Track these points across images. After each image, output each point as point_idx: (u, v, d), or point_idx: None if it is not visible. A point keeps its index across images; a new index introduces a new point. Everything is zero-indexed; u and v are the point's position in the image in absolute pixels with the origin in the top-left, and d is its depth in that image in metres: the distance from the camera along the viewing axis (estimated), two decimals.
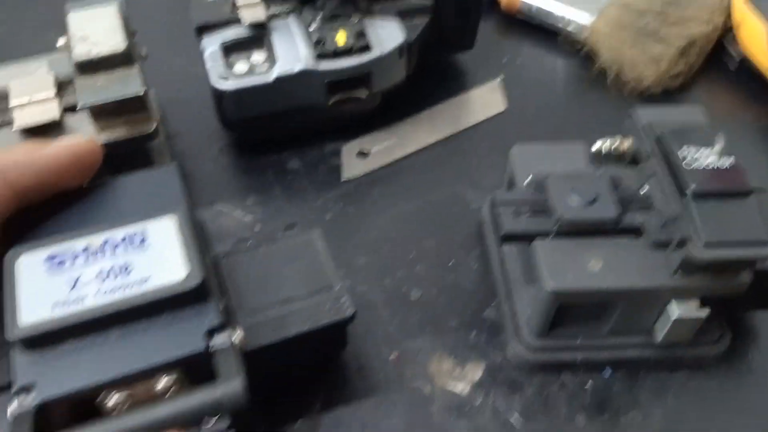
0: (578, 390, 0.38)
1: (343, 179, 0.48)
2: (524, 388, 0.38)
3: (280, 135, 0.49)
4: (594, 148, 0.40)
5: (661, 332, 0.37)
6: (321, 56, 0.45)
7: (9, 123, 0.38)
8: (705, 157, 0.34)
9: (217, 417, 0.28)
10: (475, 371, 0.39)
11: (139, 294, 0.28)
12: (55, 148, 0.31)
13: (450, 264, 0.44)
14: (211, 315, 0.28)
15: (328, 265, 0.35)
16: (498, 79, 0.54)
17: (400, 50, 0.47)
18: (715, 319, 0.38)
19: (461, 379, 0.39)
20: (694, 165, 0.34)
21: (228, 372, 0.27)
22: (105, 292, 0.28)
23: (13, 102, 0.38)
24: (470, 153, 0.49)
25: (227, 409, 0.26)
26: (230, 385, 0.26)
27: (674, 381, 0.39)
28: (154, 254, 0.29)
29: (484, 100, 0.52)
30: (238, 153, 0.49)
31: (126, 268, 0.28)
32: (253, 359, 0.30)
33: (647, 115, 0.38)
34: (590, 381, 0.39)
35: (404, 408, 0.37)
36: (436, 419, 0.37)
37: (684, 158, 0.34)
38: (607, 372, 0.39)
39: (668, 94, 0.53)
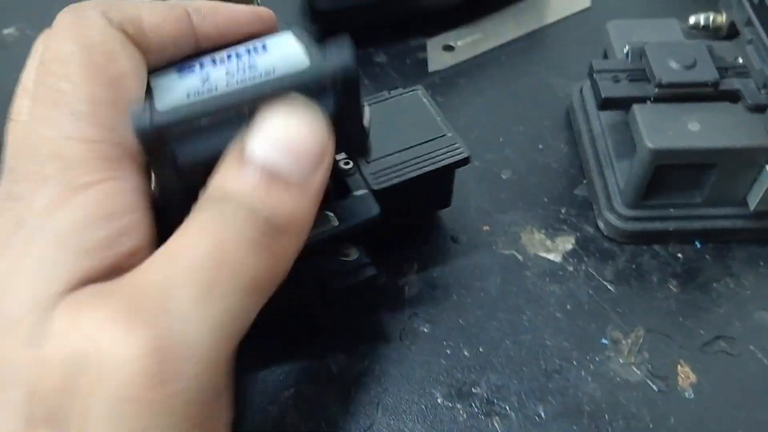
0: (670, 259, 0.39)
1: (429, 71, 0.49)
2: (616, 257, 0.39)
3: (366, 28, 0.50)
4: (691, 22, 0.40)
5: (755, 199, 0.37)
6: None
7: None
8: None
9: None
10: (566, 243, 0.40)
11: (268, 80, 0.28)
12: (237, 6, 0.31)
13: (539, 147, 0.44)
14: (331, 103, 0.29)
15: (436, 116, 0.37)
16: None
17: None
18: None
19: (553, 250, 0.40)
20: None
21: None
22: (236, 82, 0.29)
23: None
24: (556, 46, 0.50)
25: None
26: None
27: (765, 252, 0.39)
28: (276, 56, 0.29)
29: None
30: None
31: (252, 66, 0.30)
32: (381, 200, 0.33)
33: None
34: (681, 252, 0.39)
35: (498, 272, 0.39)
36: (530, 283, 0.38)
37: None
38: (698, 244, 0.39)
39: None
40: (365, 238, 0.33)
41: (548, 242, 0.40)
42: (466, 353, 0.36)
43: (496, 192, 0.42)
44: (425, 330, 0.37)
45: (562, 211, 0.41)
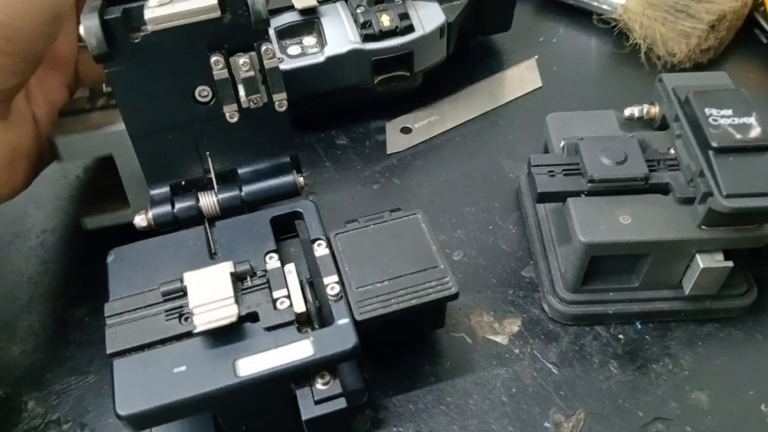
0: (612, 340, 0.41)
1: (388, 153, 0.51)
2: (560, 338, 0.41)
3: (328, 113, 0.53)
4: (626, 114, 0.42)
5: (689, 284, 0.39)
6: (367, 37, 0.48)
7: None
8: (728, 116, 0.37)
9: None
10: (513, 325, 0.42)
11: None
12: None
13: (489, 228, 0.47)
14: None
15: (432, 244, 0.37)
16: (534, 58, 0.56)
17: (441, 30, 0.50)
18: (741, 273, 0.41)
19: (500, 332, 0.42)
20: (718, 123, 0.36)
21: None
22: None
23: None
24: (508, 126, 0.52)
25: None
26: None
27: (703, 332, 0.41)
28: None
29: (521, 78, 0.55)
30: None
31: None
32: (363, 327, 0.34)
33: (674, 80, 0.40)
34: (622, 332, 0.41)
35: (448, 356, 0.41)
36: (477, 366, 0.40)
37: (708, 117, 0.37)
38: (639, 324, 0.41)
39: (699, 68, 0.55)
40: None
41: (496, 324, 0.42)
42: None
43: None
44: (376, 416, 0.38)
45: (510, 292, 0.43)
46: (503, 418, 0.38)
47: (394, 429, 0.38)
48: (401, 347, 0.41)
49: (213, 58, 0.35)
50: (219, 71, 0.36)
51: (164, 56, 0.35)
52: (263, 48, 0.36)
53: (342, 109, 0.53)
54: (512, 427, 0.38)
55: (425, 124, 0.53)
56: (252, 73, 0.36)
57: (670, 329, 0.41)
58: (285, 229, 0.39)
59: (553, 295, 0.41)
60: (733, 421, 0.38)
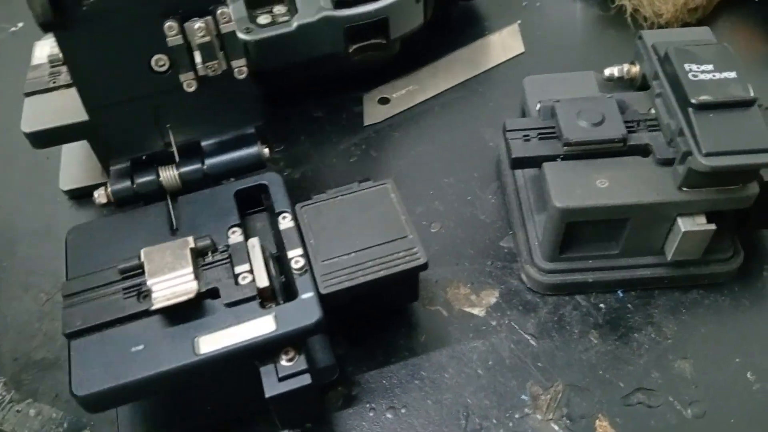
0: (592, 309, 0.39)
1: (365, 125, 0.50)
2: (538, 309, 0.40)
3: (303, 85, 0.51)
4: (606, 74, 0.41)
5: (671, 249, 0.37)
6: (340, 3, 0.47)
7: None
8: (708, 71, 0.35)
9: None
10: (491, 296, 0.41)
11: None
12: None
13: (468, 199, 0.45)
14: None
15: (401, 214, 0.36)
16: (517, 23, 0.55)
17: None
18: (727, 237, 0.39)
19: (477, 305, 0.40)
20: (698, 78, 0.35)
21: None
22: None
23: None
24: (489, 94, 0.51)
25: None
26: None
27: (688, 299, 0.40)
28: None
29: (503, 44, 0.53)
30: (263, 105, 0.52)
31: None
32: (329, 301, 0.33)
33: (655, 36, 0.39)
34: (603, 302, 0.40)
35: (423, 330, 0.39)
36: (453, 339, 0.39)
37: (688, 72, 0.35)
38: (621, 293, 0.40)
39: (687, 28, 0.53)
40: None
41: (473, 296, 0.41)
42: (388, 415, 0.36)
43: (425, 246, 0.43)
44: (349, 392, 0.37)
45: (488, 264, 0.42)
46: (479, 392, 0.37)
47: (367, 405, 0.37)
48: (376, 322, 0.39)
49: (167, 24, 0.34)
50: (173, 37, 0.34)
51: (116, 24, 0.34)
52: (219, 11, 0.34)
53: (318, 81, 0.51)
54: (488, 400, 0.36)
55: (404, 93, 0.51)
56: (208, 38, 0.34)
57: (653, 297, 0.40)
58: (252, 203, 0.38)
59: (531, 264, 0.40)
60: (719, 390, 0.36)
